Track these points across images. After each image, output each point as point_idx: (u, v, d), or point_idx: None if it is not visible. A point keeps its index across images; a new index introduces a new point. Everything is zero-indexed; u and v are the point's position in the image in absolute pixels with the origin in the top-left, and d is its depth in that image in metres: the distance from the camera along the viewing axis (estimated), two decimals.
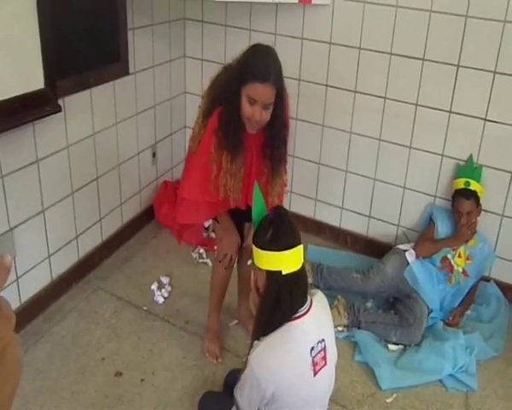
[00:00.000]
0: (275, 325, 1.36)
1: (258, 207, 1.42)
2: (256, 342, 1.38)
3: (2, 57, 1.69)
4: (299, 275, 1.36)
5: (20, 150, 1.94)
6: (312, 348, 1.36)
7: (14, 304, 2.07)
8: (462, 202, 2.25)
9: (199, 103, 1.77)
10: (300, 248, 1.36)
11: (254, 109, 1.54)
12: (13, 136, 1.86)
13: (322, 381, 1.42)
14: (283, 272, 1.33)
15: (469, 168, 2.33)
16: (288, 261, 1.34)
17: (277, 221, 1.38)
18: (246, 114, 1.57)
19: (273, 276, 1.34)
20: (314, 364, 1.36)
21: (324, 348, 1.39)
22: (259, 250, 1.36)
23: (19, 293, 2.08)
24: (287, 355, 1.35)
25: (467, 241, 2.29)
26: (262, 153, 1.69)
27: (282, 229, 1.36)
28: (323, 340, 1.39)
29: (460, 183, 2.31)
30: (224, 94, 1.59)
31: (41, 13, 1.76)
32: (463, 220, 2.23)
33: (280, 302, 1.34)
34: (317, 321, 1.40)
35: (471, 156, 2.34)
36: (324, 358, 1.39)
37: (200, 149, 1.67)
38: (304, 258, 1.40)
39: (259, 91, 1.52)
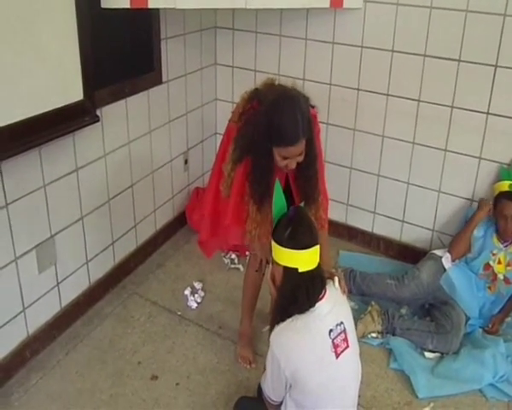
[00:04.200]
0: (292, 315, 1.42)
1: (279, 203, 1.49)
2: (276, 326, 1.44)
3: (44, 72, 1.76)
4: (314, 273, 1.42)
5: (61, 160, 2.01)
6: (331, 331, 1.41)
7: (55, 309, 2.14)
8: (508, 205, 2.17)
9: (230, 109, 1.79)
10: (317, 248, 1.42)
11: (288, 162, 1.57)
12: (54, 146, 1.93)
13: (346, 363, 1.44)
14: (299, 270, 1.39)
15: None
16: (304, 260, 1.40)
17: (296, 220, 1.44)
18: (280, 165, 1.60)
19: (290, 272, 1.41)
20: (335, 346, 1.40)
21: (344, 331, 1.44)
22: (278, 246, 1.42)
23: (59, 298, 2.15)
24: (304, 336, 1.40)
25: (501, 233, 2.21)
26: (294, 185, 1.70)
27: (300, 228, 1.43)
28: (342, 322, 1.44)
29: (504, 185, 2.23)
30: (254, 148, 1.60)
31: (81, 29, 1.83)
32: (509, 224, 2.16)
33: (297, 298, 1.41)
34: (333, 305, 1.45)
35: None
36: (345, 340, 1.44)
37: (233, 192, 1.70)
38: (320, 258, 1.45)
39: (292, 152, 1.55)
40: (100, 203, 2.27)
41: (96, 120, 2.00)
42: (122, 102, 2.27)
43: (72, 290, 2.22)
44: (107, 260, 2.40)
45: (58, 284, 2.13)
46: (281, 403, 1.54)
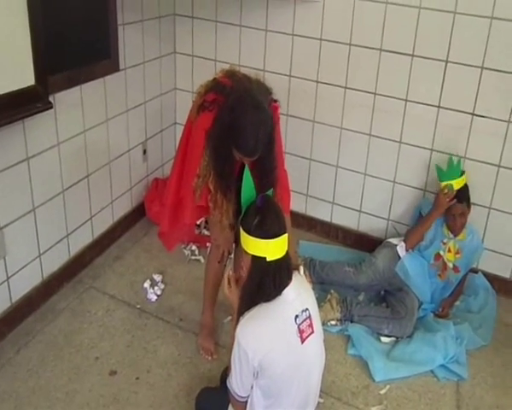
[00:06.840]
0: (257, 304, 1.42)
1: (248, 191, 1.48)
2: (241, 318, 1.43)
3: None
4: (282, 262, 1.42)
5: (10, 148, 1.91)
6: (297, 316, 1.42)
7: (5, 304, 2.04)
8: (455, 206, 2.25)
9: (190, 99, 1.79)
10: (285, 236, 1.42)
11: (243, 161, 1.64)
12: (2, 133, 1.82)
13: (310, 348, 1.46)
14: (268, 259, 1.38)
15: (449, 170, 2.28)
16: (272, 249, 1.39)
17: (264, 209, 1.43)
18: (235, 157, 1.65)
19: (258, 261, 1.40)
20: (300, 331, 1.42)
21: (309, 317, 1.45)
22: (246, 235, 1.41)
23: (9, 293, 2.05)
24: (271, 322, 1.41)
25: (452, 213, 2.26)
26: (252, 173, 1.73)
27: (268, 217, 1.41)
28: (307, 309, 1.45)
29: (444, 188, 2.26)
30: (216, 141, 1.63)
31: (31, 9, 1.73)
32: (457, 221, 2.27)
33: (264, 286, 1.40)
34: (298, 291, 1.46)
35: (451, 159, 2.28)
36: (311, 325, 1.46)
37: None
38: (288, 246, 1.45)
39: (248, 160, 1.61)
40: (53, 194, 2.18)
41: (48, 106, 1.91)
42: (77, 88, 2.18)
43: (24, 285, 2.12)
44: (61, 254, 2.31)
45: (8, 278, 2.02)
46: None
